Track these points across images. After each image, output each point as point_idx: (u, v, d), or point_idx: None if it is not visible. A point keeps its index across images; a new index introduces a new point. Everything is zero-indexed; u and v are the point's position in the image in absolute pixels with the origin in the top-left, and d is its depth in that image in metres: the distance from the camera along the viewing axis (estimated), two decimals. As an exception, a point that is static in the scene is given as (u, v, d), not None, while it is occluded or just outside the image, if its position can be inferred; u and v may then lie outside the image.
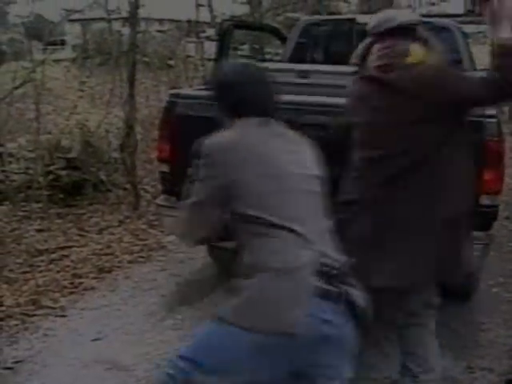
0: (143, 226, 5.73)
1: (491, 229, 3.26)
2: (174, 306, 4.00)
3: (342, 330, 1.81)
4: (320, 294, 1.76)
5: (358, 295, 1.85)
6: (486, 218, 3.19)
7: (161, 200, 3.80)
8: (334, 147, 3.14)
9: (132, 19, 7.26)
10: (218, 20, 16.25)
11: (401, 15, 2.79)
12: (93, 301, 4.07)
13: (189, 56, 14.69)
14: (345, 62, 5.06)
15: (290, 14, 16.71)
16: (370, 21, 2.79)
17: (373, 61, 2.63)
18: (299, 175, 1.96)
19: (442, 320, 3.80)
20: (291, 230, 1.81)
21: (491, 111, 3.10)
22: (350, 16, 5.67)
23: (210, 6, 16.59)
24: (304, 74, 4.76)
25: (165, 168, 3.66)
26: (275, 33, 6.46)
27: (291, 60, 5.43)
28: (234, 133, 2.05)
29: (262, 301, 1.77)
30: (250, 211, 1.83)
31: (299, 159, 2.01)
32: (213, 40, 11.94)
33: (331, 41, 5.71)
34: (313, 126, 3.23)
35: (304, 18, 6.24)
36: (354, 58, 3.05)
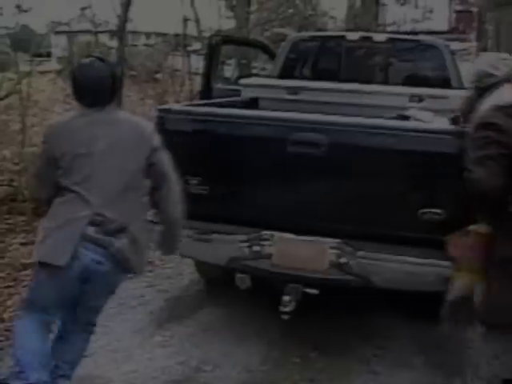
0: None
1: None
2: (163, 322, 3.94)
3: (107, 269, 2.55)
4: (93, 240, 2.50)
5: (123, 246, 2.55)
6: None
7: (152, 216, 3.68)
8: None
9: (120, 33, 7.24)
10: (206, 34, 16.26)
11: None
12: (79, 317, 3.99)
13: (176, 70, 14.68)
14: (334, 79, 5.29)
15: (276, 30, 16.78)
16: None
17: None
18: (107, 155, 2.56)
19: (430, 339, 3.82)
20: (78, 193, 2.51)
21: None
22: (339, 33, 5.82)
23: (196, 20, 16.55)
24: (294, 90, 4.86)
25: None
26: (263, 48, 6.48)
27: (281, 76, 5.45)
28: (67, 118, 2.84)
29: (48, 242, 2.53)
30: (61, 178, 2.56)
31: (112, 143, 2.58)
32: (200, 54, 11.96)
33: (321, 57, 5.75)
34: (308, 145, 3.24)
35: (294, 34, 6.20)
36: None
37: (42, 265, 2.52)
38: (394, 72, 5.39)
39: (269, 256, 3.38)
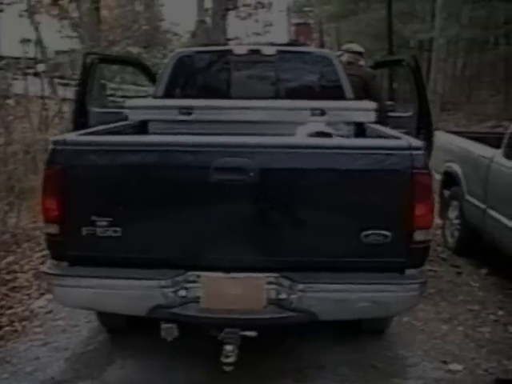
0: (1, 289, 4.93)
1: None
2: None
3: None
4: None
5: None
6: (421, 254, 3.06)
7: (49, 267, 3.13)
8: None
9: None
10: (50, 55, 15.28)
11: None
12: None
13: (18, 94, 13.58)
14: (224, 96, 5.02)
15: (129, 48, 16.26)
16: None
17: None
18: None
19: (365, 360, 3.65)
20: None
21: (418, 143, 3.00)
22: (225, 47, 5.45)
23: (39, 40, 15.53)
24: (187, 110, 4.54)
25: (53, 229, 3.03)
26: (141, 66, 6.05)
27: (166, 96, 5.03)
28: None
29: None
30: None
31: None
32: (43, 77, 11.11)
33: (208, 74, 5.41)
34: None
35: (178, 50, 5.88)
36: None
37: None
38: (286, 85, 5.19)
39: (197, 300, 3.00)
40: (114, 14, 19.80)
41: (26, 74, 13.11)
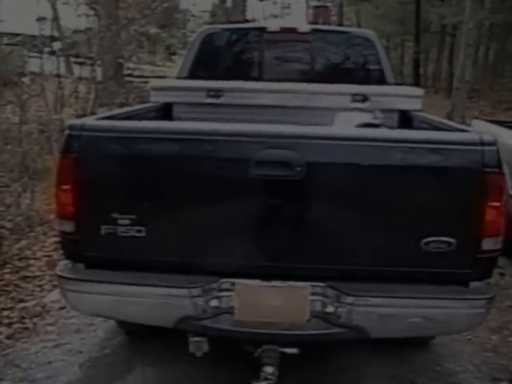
0: (13, 278, 4.62)
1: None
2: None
3: None
4: None
5: None
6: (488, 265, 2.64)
7: (63, 269, 2.71)
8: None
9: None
10: (66, 34, 14.92)
11: None
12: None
13: (33, 72, 13.25)
14: (256, 78, 4.64)
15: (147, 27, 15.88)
16: None
17: None
18: None
19: (409, 374, 3.30)
20: None
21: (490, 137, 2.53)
22: (258, 25, 5.17)
23: (56, 18, 15.15)
24: (216, 92, 4.13)
25: (67, 227, 2.62)
26: None
27: (191, 77, 4.62)
28: None
29: None
30: None
31: None
32: (59, 55, 10.74)
33: (238, 53, 4.98)
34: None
35: (205, 26, 5.33)
36: None
37: None
38: (323, 67, 4.80)
39: (231, 311, 2.60)
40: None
41: (41, 52, 12.79)
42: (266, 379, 2.57)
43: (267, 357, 2.59)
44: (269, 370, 2.57)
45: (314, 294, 2.58)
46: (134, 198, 2.58)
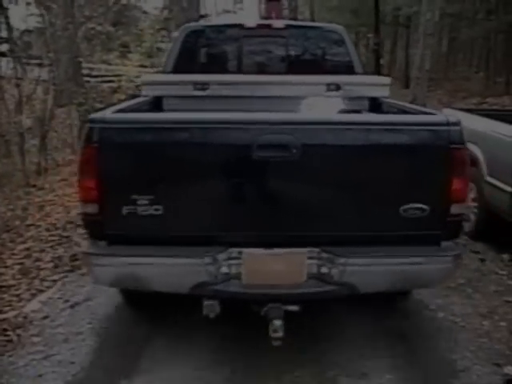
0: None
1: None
2: None
3: None
4: None
5: None
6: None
7: (87, 246, 3.07)
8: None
9: None
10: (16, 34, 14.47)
11: None
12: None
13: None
14: (236, 71, 4.88)
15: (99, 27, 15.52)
16: None
17: None
18: None
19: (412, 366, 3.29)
20: None
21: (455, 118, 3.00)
22: (235, 22, 5.37)
23: (6, 18, 14.79)
24: (202, 85, 4.40)
25: (91, 209, 2.95)
26: None
27: (176, 71, 4.97)
28: None
29: None
30: None
31: None
32: (11, 56, 10.38)
33: (218, 48, 5.36)
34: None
35: (186, 25, 5.52)
36: None
37: None
38: (297, 60, 5.17)
39: (239, 276, 3.00)
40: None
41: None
42: (275, 331, 2.96)
43: (274, 313, 2.98)
44: (277, 323, 2.97)
45: (310, 258, 2.99)
46: (152, 181, 2.93)
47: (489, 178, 5.16)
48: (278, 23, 5.19)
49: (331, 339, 3.58)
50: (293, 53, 5.21)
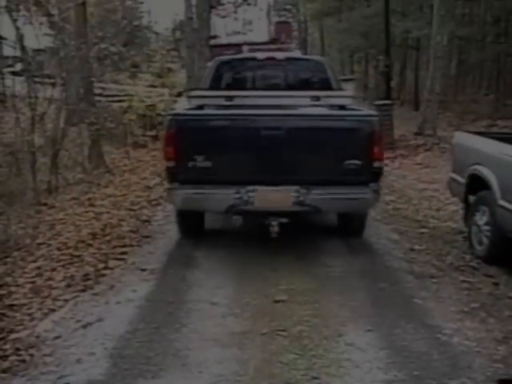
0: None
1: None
2: None
3: None
4: None
5: None
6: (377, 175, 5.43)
7: (168, 186, 5.57)
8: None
9: None
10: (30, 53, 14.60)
11: None
12: None
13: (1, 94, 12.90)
14: (252, 88, 7.39)
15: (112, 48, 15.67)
16: None
17: None
18: None
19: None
20: None
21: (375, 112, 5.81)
22: (250, 55, 8.06)
23: (20, 37, 14.89)
24: (230, 97, 6.34)
25: (171, 164, 5.34)
26: None
27: (211, 89, 7.11)
28: None
29: None
30: None
31: None
32: (25, 76, 10.46)
33: (239, 73, 7.62)
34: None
35: (217, 58, 7.80)
36: None
37: None
38: (292, 80, 7.47)
39: (253, 202, 5.28)
40: (96, 10, 19.18)
41: (1, 73, 12.42)
42: (273, 228, 5.36)
43: (273, 220, 5.36)
44: (274, 223, 5.36)
45: (294, 191, 5.26)
46: (204, 148, 5.29)
47: (502, 202, 5.13)
48: (280, 56, 7.63)
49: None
50: (290, 75, 7.45)
